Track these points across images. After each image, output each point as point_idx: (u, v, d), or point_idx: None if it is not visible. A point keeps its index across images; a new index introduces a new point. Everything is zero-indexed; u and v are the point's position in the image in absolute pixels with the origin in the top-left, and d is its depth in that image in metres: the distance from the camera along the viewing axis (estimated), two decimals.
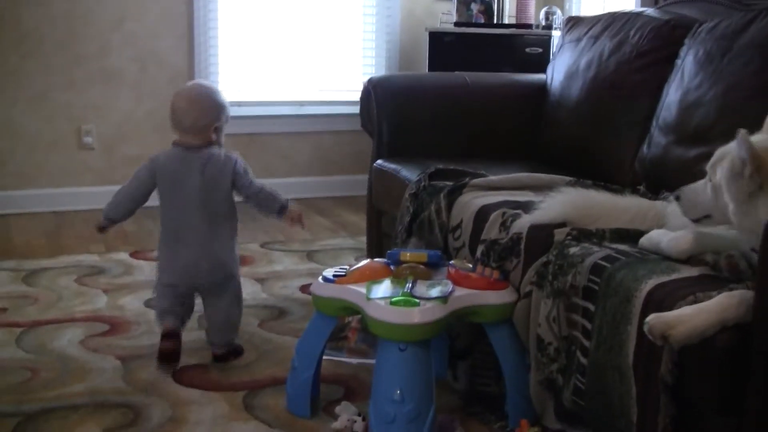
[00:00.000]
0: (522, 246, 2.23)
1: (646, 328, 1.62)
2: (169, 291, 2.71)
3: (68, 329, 2.98)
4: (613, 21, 3.22)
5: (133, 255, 3.92)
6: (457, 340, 2.47)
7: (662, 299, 1.69)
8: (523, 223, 2.27)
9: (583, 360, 1.89)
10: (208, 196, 2.70)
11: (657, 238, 1.94)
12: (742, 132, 1.68)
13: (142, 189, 2.77)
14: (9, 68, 4.69)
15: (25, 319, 3.09)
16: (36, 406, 2.39)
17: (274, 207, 2.81)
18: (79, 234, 4.33)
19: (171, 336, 2.63)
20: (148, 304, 3.25)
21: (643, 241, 1.99)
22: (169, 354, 2.60)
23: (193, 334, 2.94)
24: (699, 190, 1.84)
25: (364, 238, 3.65)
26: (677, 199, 1.88)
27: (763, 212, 1.64)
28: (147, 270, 3.68)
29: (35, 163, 4.80)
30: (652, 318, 1.62)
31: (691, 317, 1.59)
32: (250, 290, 3.42)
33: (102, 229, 2.83)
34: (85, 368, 2.65)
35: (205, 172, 2.71)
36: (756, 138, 1.73)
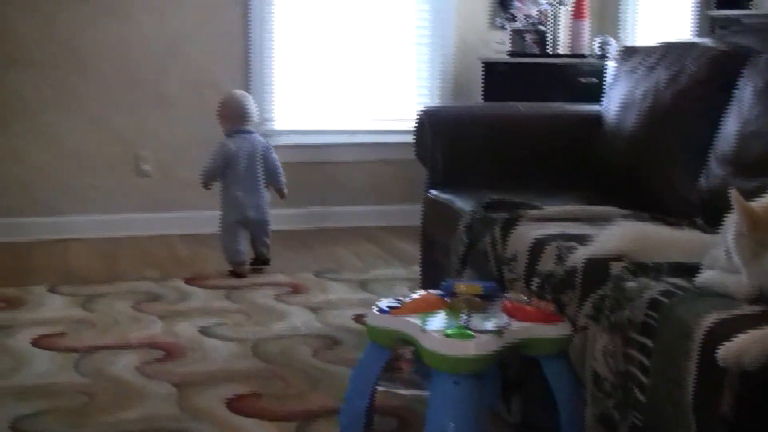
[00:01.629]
0: (578, 279, 2.20)
1: (719, 359, 1.58)
2: (238, 228, 4.07)
3: (124, 354, 3.01)
4: (669, 51, 3.19)
5: (188, 281, 3.95)
6: (511, 372, 2.45)
7: (723, 335, 1.66)
8: (579, 256, 2.24)
9: (641, 396, 1.85)
10: (262, 164, 4.10)
11: (719, 279, 1.90)
12: (732, 192, 1.70)
13: (226, 163, 4.03)
14: (69, 92, 4.78)
15: (83, 343, 3.12)
16: (92, 431, 2.41)
17: (280, 183, 4.19)
18: (135, 259, 4.38)
19: (244, 262, 4.07)
20: (202, 330, 3.27)
21: (704, 281, 1.95)
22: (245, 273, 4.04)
23: (247, 361, 2.95)
24: (718, 257, 1.84)
25: (417, 268, 3.64)
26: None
27: None
28: (202, 296, 3.72)
29: (93, 188, 4.87)
30: (721, 350, 1.59)
31: (762, 336, 1.56)
32: (303, 319, 3.44)
33: (207, 186, 4.11)
34: (141, 394, 2.67)
35: (259, 148, 4.11)
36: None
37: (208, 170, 4.07)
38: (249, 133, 4.11)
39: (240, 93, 4.18)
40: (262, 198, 4.12)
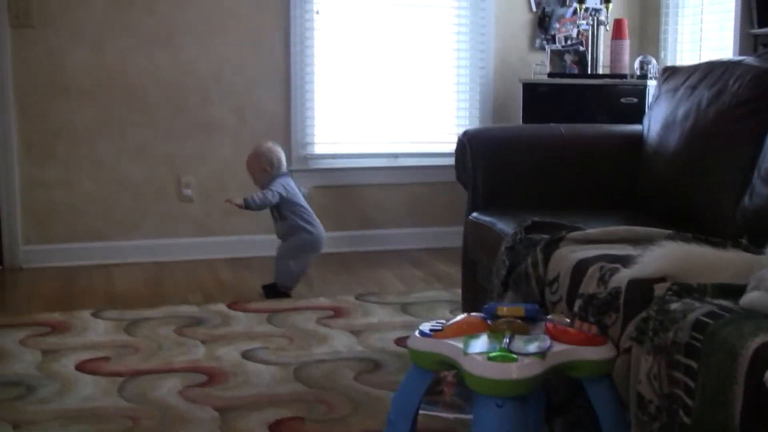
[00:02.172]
0: (621, 301, 2.18)
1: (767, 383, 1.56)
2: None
3: (167, 379, 3.03)
4: (712, 70, 3.16)
5: (230, 306, 3.97)
6: (555, 395, 2.43)
7: None
8: (622, 277, 2.22)
9: (686, 419, 1.83)
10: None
11: (766, 300, 1.88)
12: None
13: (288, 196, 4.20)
14: (115, 119, 4.84)
15: (127, 368, 3.15)
16: None
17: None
18: (178, 284, 4.42)
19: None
20: (245, 354, 3.29)
21: (750, 302, 1.92)
22: None
23: (289, 385, 2.96)
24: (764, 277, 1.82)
25: (458, 290, 3.63)
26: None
27: None
28: (244, 321, 3.73)
29: (137, 213, 4.93)
30: None
31: None
32: (345, 342, 3.44)
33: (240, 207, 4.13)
34: (184, 418, 2.69)
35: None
36: None
37: (265, 201, 4.13)
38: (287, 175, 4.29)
39: (266, 144, 4.30)
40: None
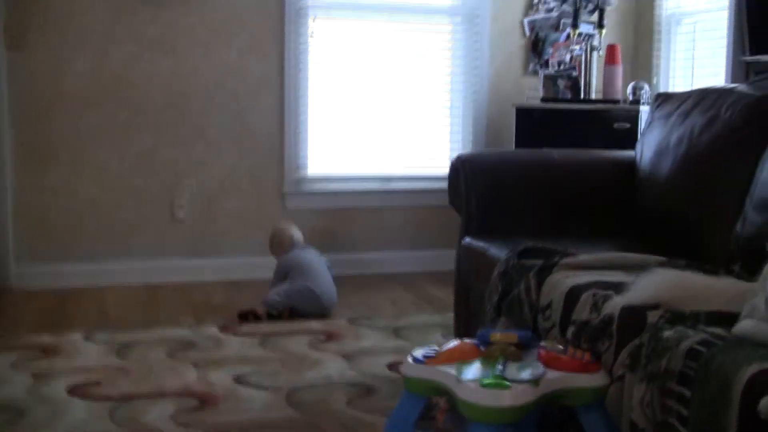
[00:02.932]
0: (614, 328, 2.19)
1: (761, 412, 1.56)
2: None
3: (159, 404, 3.02)
4: (704, 97, 3.18)
5: (222, 329, 3.96)
6: (548, 422, 2.43)
7: (765, 386, 1.64)
8: (615, 304, 2.23)
9: None
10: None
11: (759, 328, 1.88)
12: None
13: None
14: (111, 141, 4.84)
15: (118, 391, 3.13)
16: None
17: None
18: (170, 306, 4.41)
19: None
20: (237, 378, 3.28)
21: (744, 330, 1.93)
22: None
23: (282, 411, 2.95)
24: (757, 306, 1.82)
25: (451, 314, 3.63)
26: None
27: None
28: (236, 344, 3.72)
29: (131, 233, 4.92)
30: (763, 402, 1.57)
31: None
32: (337, 367, 3.43)
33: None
34: None
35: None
36: None
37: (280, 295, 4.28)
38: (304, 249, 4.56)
39: (277, 226, 4.64)
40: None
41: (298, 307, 4.24)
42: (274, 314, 4.19)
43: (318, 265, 4.40)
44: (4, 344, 3.69)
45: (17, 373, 3.33)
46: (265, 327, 4.02)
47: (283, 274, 4.39)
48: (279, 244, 4.55)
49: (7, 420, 2.85)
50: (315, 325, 4.07)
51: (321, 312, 4.25)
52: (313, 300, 4.26)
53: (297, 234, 4.57)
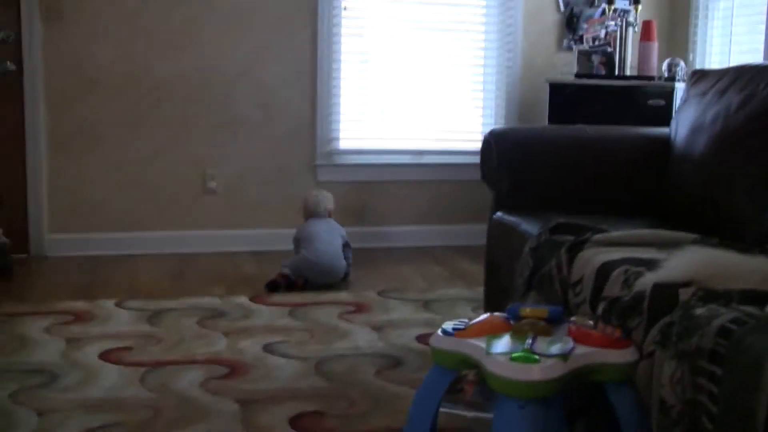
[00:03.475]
0: (645, 305, 2.17)
1: None
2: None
3: (189, 371, 3.05)
4: (741, 75, 3.14)
5: (252, 299, 3.98)
6: (576, 398, 2.42)
7: None
8: (647, 281, 2.21)
9: (709, 425, 1.82)
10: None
11: None
12: None
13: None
14: (142, 116, 4.87)
15: (149, 358, 3.17)
16: None
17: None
18: (201, 276, 4.44)
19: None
20: (266, 347, 3.30)
21: None
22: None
23: (310, 380, 2.96)
24: None
25: (480, 289, 3.63)
26: None
27: None
28: (266, 314, 3.74)
29: (162, 206, 4.95)
30: None
31: None
32: (366, 338, 3.45)
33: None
34: (205, 410, 2.70)
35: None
36: None
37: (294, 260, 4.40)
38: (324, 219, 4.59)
39: (309, 191, 4.72)
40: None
41: (305, 276, 4.29)
42: (291, 281, 4.27)
43: (323, 234, 4.42)
44: (39, 309, 3.74)
45: (51, 338, 3.37)
46: (295, 297, 4.04)
47: (295, 243, 4.47)
48: (303, 212, 4.61)
49: (41, 383, 2.89)
50: (344, 296, 4.08)
51: (323, 281, 4.29)
52: (311, 268, 4.29)
53: (322, 203, 4.57)
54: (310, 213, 4.57)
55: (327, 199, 4.60)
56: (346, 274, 4.44)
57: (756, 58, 4.46)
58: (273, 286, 4.21)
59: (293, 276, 4.26)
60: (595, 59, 5.00)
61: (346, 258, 4.44)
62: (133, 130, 4.88)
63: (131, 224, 4.92)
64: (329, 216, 4.57)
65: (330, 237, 4.41)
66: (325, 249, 4.33)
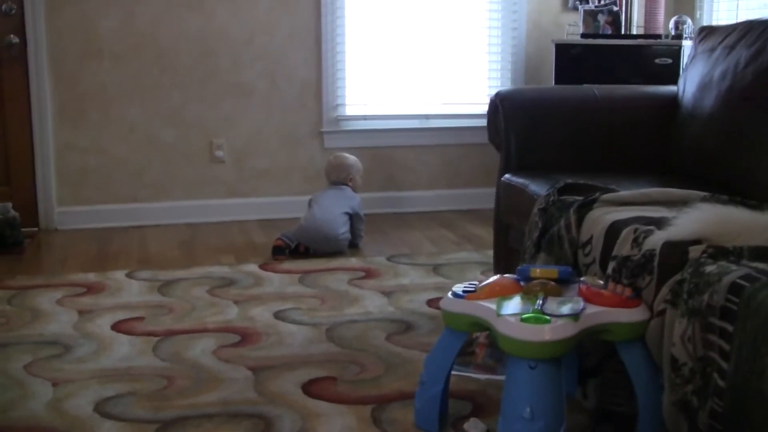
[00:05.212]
0: (655, 263, 2.17)
1: None
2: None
3: (201, 339, 3.06)
4: (750, 30, 3.11)
5: (262, 267, 3.99)
6: (587, 357, 2.43)
7: None
8: (657, 239, 2.20)
9: (721, 382, 1.82)
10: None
11: None
12: None
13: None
14: (148, 83, 4.86)
15: (161, 328, 3.18)
16: (172, 414, 2.45)
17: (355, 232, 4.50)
18: (210, 245, 4.45)
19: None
20: (277, 314, 3.31)
21: None
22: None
23: (322, 346, 2.97)
24: None
25: (490, 252, 3.62)
26: None
27: None
28: (276, 281, 3.75)
29: (170, 175, 4.95)
30: None
31: None
32: (377, 303, 3.45)
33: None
34: (218, 378, 2.71)
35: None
36: None
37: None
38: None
39: (332, 157, 4.63)
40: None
41: (303, 242, 4.28)
42: (292, 248, 4.27)
43: (323, 200, 4.38)
44: (50, 282, 3.75)
45: (63, 309, 3.38)
46: (305, 264, 4.04)
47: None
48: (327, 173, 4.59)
49: (54, 355, 2.90)
50: (354, 262, 4.09)
51: (318, 247, 4.26)
52: (302, 234, 4.27)
53: (335, 171, 4.52)
54: (327, 178, 4.55)
55: (341, 167, 4.52)
56: (354, 245, 4.41)
57: (764, 13, 4.41)
58: (276, 251, 4.22)
59: (289, 241, 4.26)
60: (601, 18, 4.96)
61: (355, 230, 4.42)
62: (139, 99, 4.86)
63: (139, 195, 4.93)
64: (348, 183, 4.50)
65: (331, 204, 4.34)
66: (321, 216, 4.28)
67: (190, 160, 4.97)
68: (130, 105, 4.85)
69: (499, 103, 3.37)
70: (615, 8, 4.93)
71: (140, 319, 3.28)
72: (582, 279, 2.26)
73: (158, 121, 4.90)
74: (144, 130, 4.89)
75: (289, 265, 4.04)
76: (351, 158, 4.56)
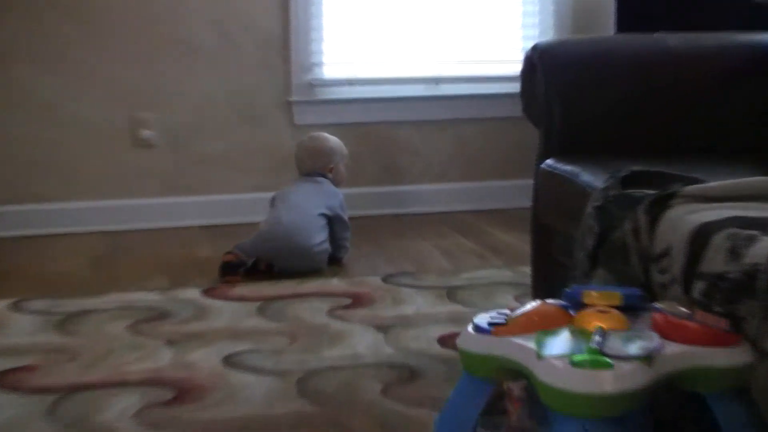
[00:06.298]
0: (761, 284, 2.14)
1: None
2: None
3: (119, 396, 3.02)
4: None
5: (207, 292, 4.00)
6: (665, 413, 2.40)
7: None
8: (762, 250, 2.17)
9: None
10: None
11: None
12: None
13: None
14: (48, 35, 4.85)
15: (62, 381, 3.14)
16: None
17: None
18: (135, 262, 4.45)
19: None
20: (227, 359, 3.29)
21: None
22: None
23: (291, 403, 2.96)
24: None
25: (526, 269, 3.62)
26: None
27: None
28: (227, 312, 3.76)
29: (82, 166, 4.94)
30: None
31: None
32: (369, 342, 3.45)
33: None
34: None
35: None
36: None
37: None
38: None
39: (306, 138, 4.68)
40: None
41: (264, 256, 4.34)
42: (248, 265, 4.27)
43: (293, 197, 4.44)
44: None
45: None
46: (267, 288, 4.06)
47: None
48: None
49: None
50: (336, 284, 4.10)
51: (285, 263, 4.30)
52: (263, 243, 4.32)
53: (309, 158, 4.55)
54: (299, 168, 4.56)
55: (318, 153, 4.55)
56: (336, 259, 4.41)
57: None
58: (227, 269, 4.22)
59: (245, 256, 4.27)
60: None
61: (338, 239, 4.43)
62: (44, 63, 4.87)
63: (35, 192, 4.91)
64: (328, 174, 4.52)
65: (303, 203, 4.36)
66: (288, 219, 4.29)
67: (106, 143, 4.98)
68: (33, 71, 4.85)
69: (538, 61, 3.36)
70: None
71: (32, 368, 3.25)
72: (657, 306, 2.22)
73: (61, 88, 4.88)
74: (47, 106, 4.89)
75: (244, 289, 4.04)
76: (332, 140, 4.57)
